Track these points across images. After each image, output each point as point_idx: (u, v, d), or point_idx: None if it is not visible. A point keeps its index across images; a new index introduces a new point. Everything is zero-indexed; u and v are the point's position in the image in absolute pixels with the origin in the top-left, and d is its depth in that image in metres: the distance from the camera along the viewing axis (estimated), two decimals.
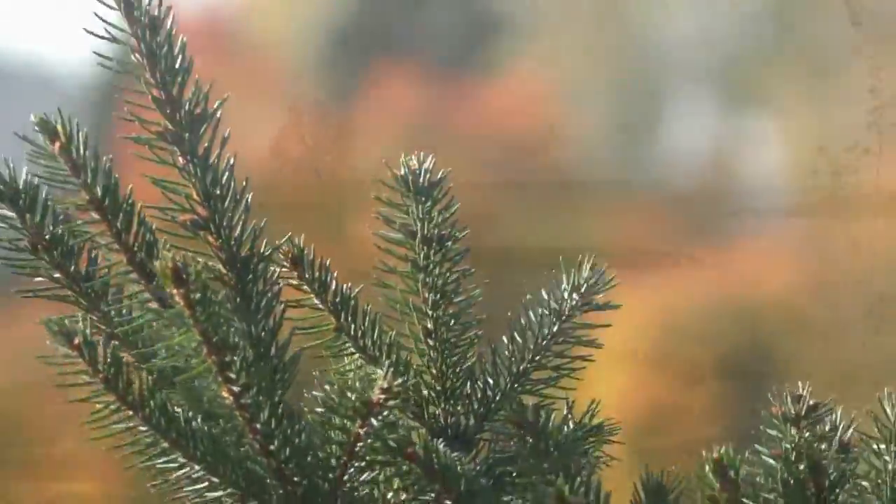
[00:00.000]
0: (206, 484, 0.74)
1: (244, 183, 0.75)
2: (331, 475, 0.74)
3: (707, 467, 0.70)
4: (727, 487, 0.70)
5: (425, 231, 0.76)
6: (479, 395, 0.78)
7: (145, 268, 0.75)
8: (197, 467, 0.73)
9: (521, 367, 0.79)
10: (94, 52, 0.71)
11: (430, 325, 0.78)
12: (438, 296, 0.77)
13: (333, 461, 0.74)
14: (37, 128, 0.73)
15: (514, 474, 0.77)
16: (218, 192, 0.74)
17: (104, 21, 0.71)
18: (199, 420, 0.75)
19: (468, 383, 0.78)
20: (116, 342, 0.74)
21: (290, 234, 0.77)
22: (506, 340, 0.80)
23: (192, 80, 0.73)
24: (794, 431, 0.85)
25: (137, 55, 0.71)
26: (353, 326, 0.77)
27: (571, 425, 0.80)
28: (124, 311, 0.75)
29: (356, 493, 0.74)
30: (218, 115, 0.73)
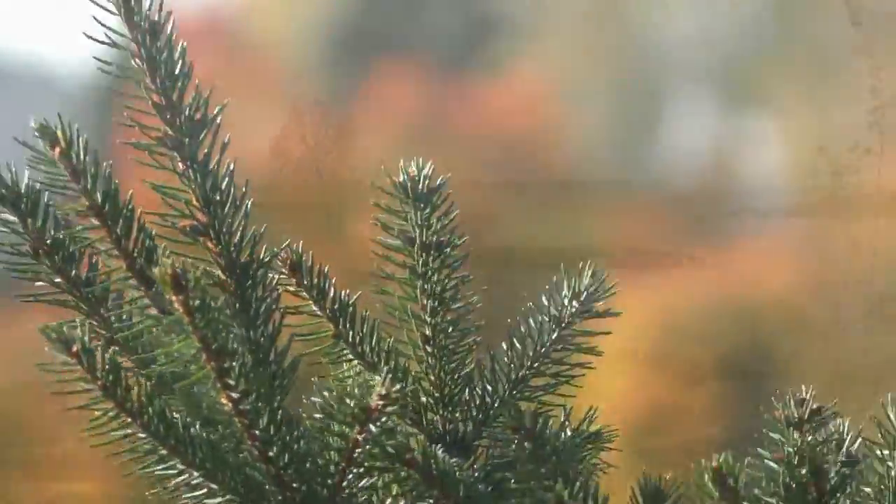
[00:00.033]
0: (204, 490, 0.74)
1: (244, 188, 0.75)
2: (329, 481, 0.74)
3: (706, 476, 0.69)
4: (727, 496, 0.69)
5: (424, 237, 0.76)
6: (477, 402, 0.78)
7: (145, 274, 0.75)
8: (196, 474, 0.73)
9: (520, 374, 0.79)
10: (95, 58, 0.71)
11: (428, 332, 0.78)
12: (437, 302, 0.77)
13: (332, 467, 0.74)
14: (37, 133, 0.73)
15: (513, 480, 0.77)
16: (218, 197, 0.74)
17: (104, 26, 0.71)
18: (197, 427, 0.75)
19: (466, 390, 0.78)
20: (116, 348, 0.75)
21: (289, 239, 0.77)
22: (505, 347, 0.80)
23: (192, 86, 0.73)
24: (796, 435, 0.85)
25: (137, 60, 0.71)
26: (351, 333, 0.78)
27: (569, 431, 0.80)
28: (124, 317, 0.75)
29: (355, 500, 0.74)
30: (218, 120, 0.73)
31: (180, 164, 0.73)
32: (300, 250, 0.77)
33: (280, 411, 0.76)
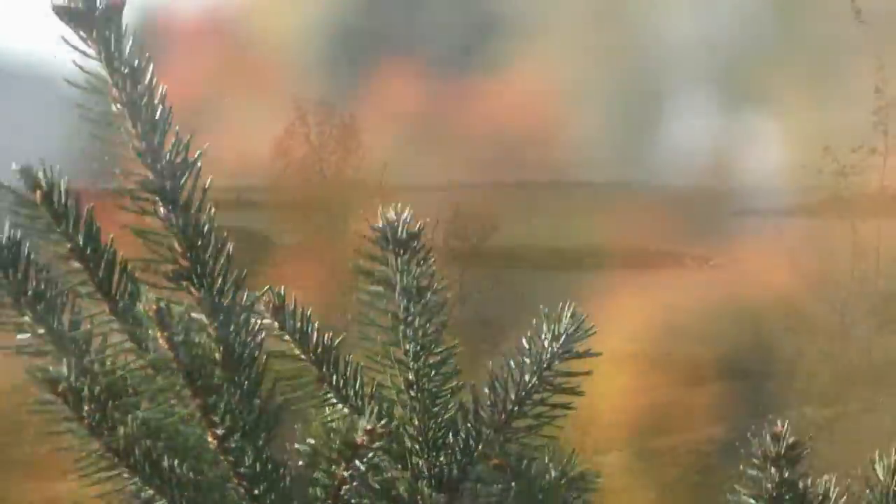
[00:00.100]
0: None
1: (225, 233, 0.74)
2: None
3: None
4: None
5: (404, 283, 0.76)
6: (461, 445, 0.78)
7: (128, 315, 0.75)
8: None
9: (503, 417, 0.79)
10: (77, 105, 0.71)
11: (411, 377, 0.78)
12: (419, 347, 0.77)
13: None
14: (18, 176, 0.73)
15: None
16: (200, 242, 0.74)
17: (85, 71, 0.71)
18: (183, 468, 0.75)
19: (451, 433, 0.78)
20: (101, 388, 0.74)
21: (268, 286, 0.77)
22: (487, 390, 0.80)
23: (173, 131, 0.72)
24: (774, 471, 0.84)
25: (118, 105, 0.71)
26: (335, 376, 0.77)
27: (553, 472, 0.80)
28: (108, 363, 0.74)
29: None
30: (198, 164, 0.73)
31: (162, 209, 0.73)
32: (283, 293, 0.77)
33: (266, 449, 0.76)
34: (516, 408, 0.78)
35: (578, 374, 0.81)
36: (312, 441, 0.73)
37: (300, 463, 0.77)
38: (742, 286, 8.48)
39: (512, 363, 0.80)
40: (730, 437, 8.00)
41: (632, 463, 8.17)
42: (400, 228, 0.76)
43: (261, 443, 0.77)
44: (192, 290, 0.74)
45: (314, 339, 0.78)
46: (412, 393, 0.79)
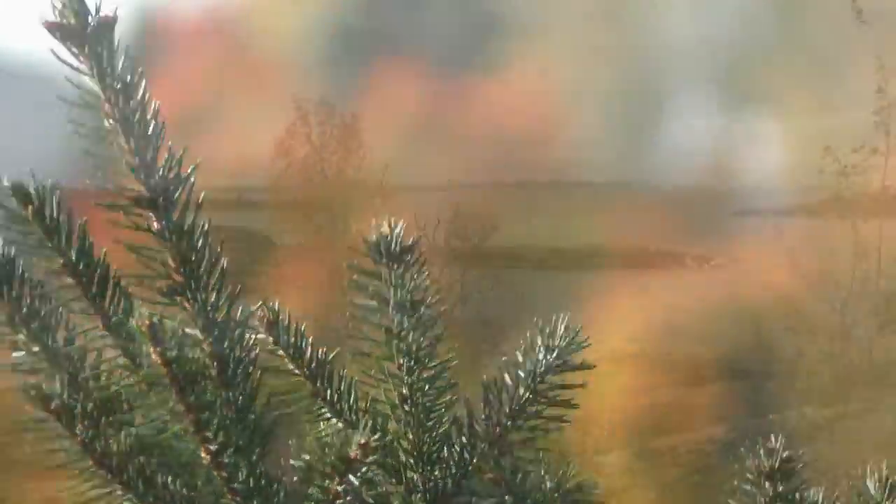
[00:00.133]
0: None
1: (219, 248, 0.74)
2: None
3: None
4: None
5: (398, 297, 0.76)
6: (455, 459, 0.78)
7: (121, 330, 0.74)
8: None
9: (498, 430, 0.78)
10: (69, 120, 0.70)
11: (405, 391, 0.78)
12: (413, 361, 0.77)
13: None
14: (9, 191, 0.73)
15: None
16: (193, 257, 0.74)
17: (77, 86, 0.70)
18: (177, 484, 0.75)
19: (445, 447, 0.78)
20: (94, 405, 0.74)
21: (261, 302, 0.76)
22: (482, 403, 0.79)
23: (166, 146, 0.72)
24: (768, 485, 0.84)
25: (111, 121, 0.71)
26: (329, 391, 0.77)
27: (549, 484, 0.79)
28: (103, 378, 0.74)
29: None
30: (192, 179, 0.73)
31: (155, 224, 0.73)
32: (277, 308, 0.77)
33: (260, 465, 0.76)
34: (510, 421, 0.78)
35: (573, 386, 0.80)
36: (307, 456, 0.73)
37: (294, 478, 0.77)
38: (743, 286, 8.50)
39: (506, 376, 0.79)
40: (730, 437, 8.02)
41: (632, 463, 8.18)
42: (393, 242, 0.75)
43: (254, 458, 0.76)
44: (187, 305, 0.74)
45: (308, 353, 0.77)
46: (406, 407, 0.78)
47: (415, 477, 0.77)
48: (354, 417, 0.77)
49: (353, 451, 0.72)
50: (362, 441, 0.73)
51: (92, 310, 0.74)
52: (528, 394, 0.79)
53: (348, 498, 0.75)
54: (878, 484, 0.78)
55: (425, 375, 0.79)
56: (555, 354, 0.80)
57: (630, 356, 9.91)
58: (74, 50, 0.69)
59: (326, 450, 0.74)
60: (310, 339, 0.77)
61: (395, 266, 0.76)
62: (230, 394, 0.75)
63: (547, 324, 0.80)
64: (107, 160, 0.72)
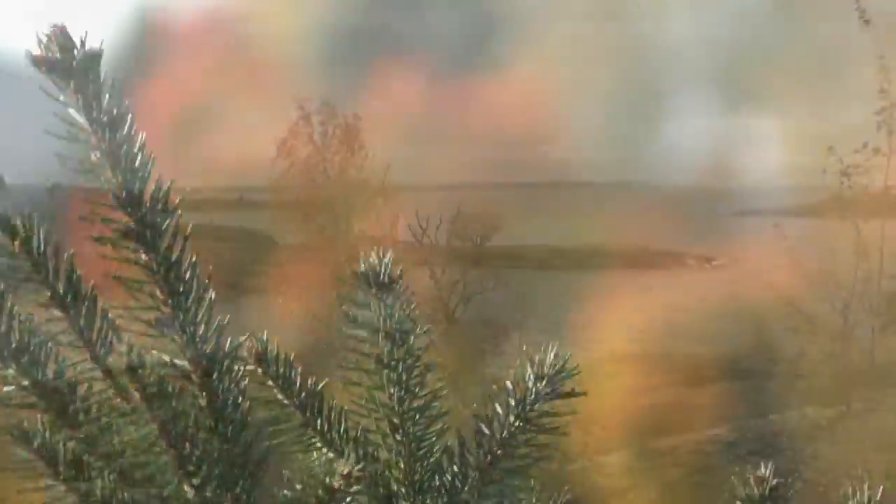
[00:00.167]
0: None
1: (207, 280, 0.74)
2: None
3: None
4: None
5: (387, 327, 0.75)
6: (447, 488, 0.77)
7: (108, 363, 0.74)
8: None
9: (489, 459, 0.78)
10: (56, 154, 0.70)
11: (396, 420, 0.77)
12: (403, 390, 0.77)
13: None
14: None
15: None
16: (181, 289, 0.73)
17: (64, 120, 0.70)
18: None
19: (436, 476, 0.77)
20: (80, 439, 0.74)
21: (251, 333, 0.76)
22: (473, 432, 0.79)
23: (153, 178, 0.72)
24: None
25: (98, 154, 0.70)
26: (319, 421, 0.77)
27: None
28: (94, 410, 0.74)
29: None
30: (179, 212, 0.72)
31: (143, 256, 0.72)
32: (265, 339, 0.76)
33: (244, 498, 0.76)
34: (501, 450, 0.78)
35: (563, 414, 0.80)
36: (299, 486, 0.73)
37: None
38: (744, 286, 8.50)
39: (497, 405, 0.79)
40: (732, 438, 8.02)
41: (634, 463, 8.18)
42: (382, 272, 0.75)
43: (238, 490, 0.76)
44: (175, 337, 0.73)
45: (297, 383, 0.77)
46: (397, 436, 0.78)
47: None
48: (345, 447, 0.77)
49: (337, 481, 0.72)
50: (345, 471, 0.72)
51: (80, 342, 0.74)
52: (518, 422, 0.79)
53: None
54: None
55: (416, 405, 0.79)
56: (544, 382, 0.80)
57: (631, 356, 9.91)
58: (60, 83, 0.68)
59: (312, 480, 0.74)
60: (299, 369, 0.77)
61: (384, 296, 0.76)
62: (219, 425, 0.75)
63: (536, 352, 0.79)
64: (94, 192, 0.71)
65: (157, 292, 0.73)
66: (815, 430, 6.87)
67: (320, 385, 0.78)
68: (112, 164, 0.71)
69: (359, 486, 0.73)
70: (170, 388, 0.72)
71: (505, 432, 0.79)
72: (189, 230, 0.73)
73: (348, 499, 0.74)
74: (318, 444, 0.78)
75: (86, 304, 0.74)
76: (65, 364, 0.74)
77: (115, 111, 0.70)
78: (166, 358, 0.74)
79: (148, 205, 0.72)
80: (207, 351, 0.74)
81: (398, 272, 0.75)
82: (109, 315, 0.75)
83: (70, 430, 0.74)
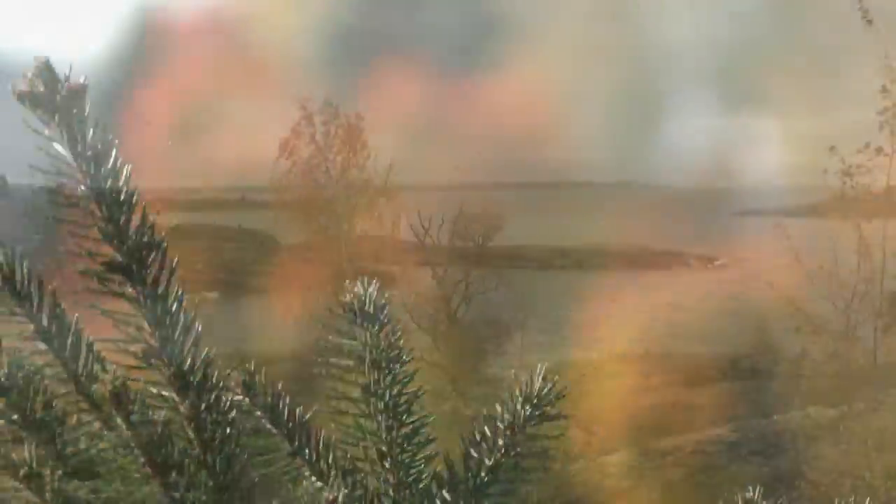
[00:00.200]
0: None
1: (193, 313, 0.74)
2: None
3: None
4: None
5: (373, 356, 0.76)
6: None
7: (94, 395, 0.74)
8: None
9: (478, 483, 0.78)
10: (42, 187, 0.70)
11: (384, 448, 0.77)
12: (391, 418, 0.77)
13: None
14: None
15: None
16: (168, 321, 0.73)
17: (49, 154, 0.70)
18: None
19: (426, 502, 0.78)
20: (69, 470, 0.74)
21: (240, 362, 0.76)
22: (462, 457, 0.79)
23: (140, 210, 0.72)
24: None
25: (83, 188, 0.70)
26: (307, 450, 0.77)
27: None
28: (82, 442, 0.74)
29: None
30: (164, 244, 0.72)
31: (130, 289, 0.72)
32: (252, 369, 0.77)
33: None
34: (490, 474, 0.78)
35: (551, 437, 0.80)
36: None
37: None
38: (747, 286, 8.49)
39: (486, 429, 0.79)
40: (734, 438, 8.01)
41: (636, 463, 8.18)
42: (367, 302, 0.75)
43: None
44: (163, 368, 0.73)
45: (285, 413, 0.77)
46: (386, 464, 0.78)
47: None
48: (333, 476, 0.77)
49: None
50: (331, 497, 0.72)
51: (65, 374, 0.74)
52: (506, 446, 0.79)
53: None
54: None
55: (403, 432, 0.79)
56: (532, 405, 0.80)
57: (633, 356, 9.91)
58: (45, 118, 0.68)
59: None
60: (287, 399, 0.77)
61: (370, 325, 0.76)
62: (207, 456, 0.75)
63: (524, 375, 0.79)
64: (80, 226, 0.71)
65: (145, 324, 0.73)
66: (817, 431, 6.86)
67: (308, 414, 0.78)
68: (97, 198, 0.71)
69: None
70: (155, 418, 0.73)
71: (494, 456, 0.79)
72: (176, 262, 0.73)
73: None
74: (307, 474, 0.78)
75: (70, 336, 0.74)
76: (51, 397, 0.74)
77: (99, 145, 0.70)
78: (154, 389, 0.74)
79: (133, 238, 0.72)
80: (195, 382, 0.75)
81: (383, 301, 0.76)
82: (95, 347, 0.75)
83: (57, 462, 0.74)
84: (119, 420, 0.71)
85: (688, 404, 7.72)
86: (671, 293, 7.43)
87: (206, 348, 0.75)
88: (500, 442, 0.80)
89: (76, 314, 0.74)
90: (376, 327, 0.76)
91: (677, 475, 7.13)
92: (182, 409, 0.75)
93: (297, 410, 0.78)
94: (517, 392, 0.81)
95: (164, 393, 0.74)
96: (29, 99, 0.68)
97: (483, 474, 0.79)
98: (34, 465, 0.72)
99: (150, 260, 0.73)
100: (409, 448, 0.79)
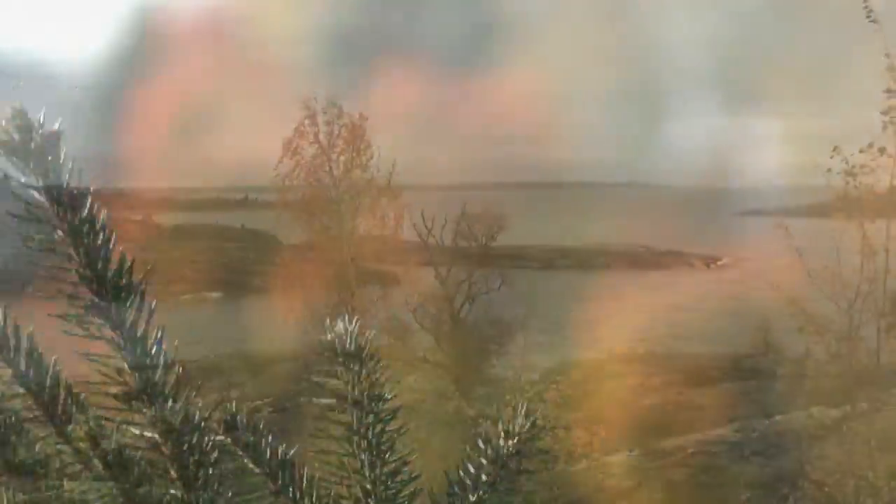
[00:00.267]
0: None
1: (174, 354, 0.73)
2: None
3: None
4: None
5: (356, 394, 0.75)
6: None
7: (72, 437, 0.74)
8: None
9: None
10: (18, 232, 0.70)
11: (368, 486, 0.77)
12: (374, 456, 0.77)
13: None
14: None
15: None
16: (148, 362, 0.73)
17: (27, 202, 0.70)
18: None
19: None
20: None
21: (223, 401, 0.76)
22: (446, 493, 0.79)
23: (117, 253, 0.71)
24: None
25: (60, 233, 0.70)
26: (291, 489, 0.76)
27: None
28: (64, 485, 0.74)
29: None
30: (143, 287, 0.72)
31: (109, 332, 0.72)
32: (234, 408, 0.76)
33: None
34: None
35: (534, 472, 0.80)
36: None
37: None
38: (749, 286, 8.47)
39: (469, 465, 0.79)
40: (736, 438, 7.99)
41: (639, 463, 8.17)
42: (348, 341, 0.75)
43: None
44: (144, 409, 0.73)
45: (268, 452, 0.77)
46: (370, 502, 0.78)
47: None
48: None
49: None
50: None
51: (44, 418, 0.74)
52: (490, 482, 0.79)
53: None
54: None
55: (387, 470, 0.78)
56: (515, 441, 0.80)
57: (636, 356, 9.90)
58: (20, 164, 0.68)
59: None
60: (269, 437, 0.76)
61: (352, 364, 0.76)
62: (190, 496, 0.74)
63: (506, 412, 0.79)
64: (58, 270, 0.71)
65: (125, 366, 0.73)
66: (820, 431, 6.85)
67: (291, 452, 0.77)
68: (74, 243, 0.70)
69: None
70: (132, 457, 0.72)
71: (477, 494, 0.78)
72: (154, 305, 0.72)
73: None
74: None
75: (48, 379, 0.74)
76: (31, 441, 0.73)
77: (75, 191, 0.70)
78: (135, 430, 0.74)
79: (111, 281, 0.71)
80: (177, 422, 0.74)
81: (365, 339, 0.75)
82: (74, 389, 0.75)
83: None
84: (95, 461, 0.71)
85: (690, 404, 7.70)
86: (673, 293, 7.41)
87: (188, 389, 0.75)
88: (484, 478, 0.80)
89: (54, 357, 0.74)
90: (358, 366, 0.76)
91: (679, 475, 7.12)
92: (164, 449, 0.74)
93: (280, 449, 0.78)
94: (499, 428, 0.81)
95: (145, 433, 0.74)
96: (3, 147, 0.68)
97: None
98: None
99: (128, 303, 0.72)
100: (393, 485, 0.79)
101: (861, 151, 6.62)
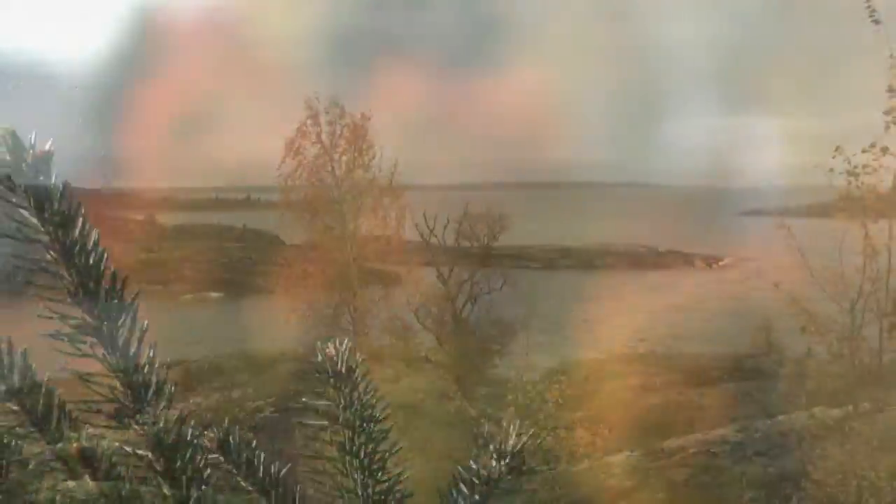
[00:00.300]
0: None
1: (166, 370, 0.74)
2: None
3: None
4: None
5: (347, 415, 0.75)
6: None
7: (65, 454, 0.74)
8: None
9: None
10: (11, 255, 0.70)
11: None
12: (366, 475, 0.77)
13: None
14: None
15: None
16: (140, 380, 0.73)
17: (16, 221, 0.70)
18: None
19: None
20: None
21: (216, 419, 0.76)
22: None
23: (108, 272, 0.71)
24: None
25: (52, 252, 0.70)
26: None
27: None
28: (58, 502, 0.74)
29: None
30: (135, 305, 0.72)
31: (101, 351, 0.72)
32: (226, 426, 0.76)
33: None
34: None
35: (525, 490, 0.80)
36: None
37: None
38: (751, 286, 8.46)
39: (461, 485, 0.79)
40: (738, 438, 7.99)
41: (641, 463, 8.17)
42: (339, 362, 0.75)
43: None
44: (136, 427, 0.73)
45: (261, 470, 0.77)
46: None
47: None
48: None
49: None
50: None
51: (37, 435, 0.74)
52: (482, 501, 0.79)
53: None
54: None
55: (379, 489, 0.78)
56: (507, 460, 0.80)
57: (639, 356, 9.89)
58: (11, 185, 0.68)
59: None
60: (262, 455, 0.77)
61: (343, 386, 0.76)
62: None
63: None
64: (50, 290, 0.71)
65: (118, 385, 0.73)
66: (822, 431, 6.84)
67: (283, 471, 0.77)
68: (66, 263, 0.70)
69: None
70: (123, 474, 0.72)
71: None
72: (146, 324, 0.73)
73: None
74: None
75: (42, 398, 0.74)
76: (22, 456, 0.74)
77: (66, 211, 0.70)
78: (128, 448, 0.74)
79: (103, 300, 0.71)
80: (170, 441, 0.74)
81: (355, 361, 0.75)
82: (66, 407, 0.75)
83: None
84: (86, 478, 0.71)
85: (691, 404, 7.69)
86: (674, 293, 7.41)
87: (180, 408, 0.75)
88: (477, 497, 0.80)
89: (47, 373, 0.74)
90: (349, 387, 0.76)
91: (681, 475, 7.12)
92: (157, 467, 0.75)
93: (273, 467, 0.78)
94: (491, 447, 0.81)
95: (138, 451, 0.74)
96: None
97: None
98: None
99: (120, 322, 0.73)
100: None
101: (863, 151, 6.61)
